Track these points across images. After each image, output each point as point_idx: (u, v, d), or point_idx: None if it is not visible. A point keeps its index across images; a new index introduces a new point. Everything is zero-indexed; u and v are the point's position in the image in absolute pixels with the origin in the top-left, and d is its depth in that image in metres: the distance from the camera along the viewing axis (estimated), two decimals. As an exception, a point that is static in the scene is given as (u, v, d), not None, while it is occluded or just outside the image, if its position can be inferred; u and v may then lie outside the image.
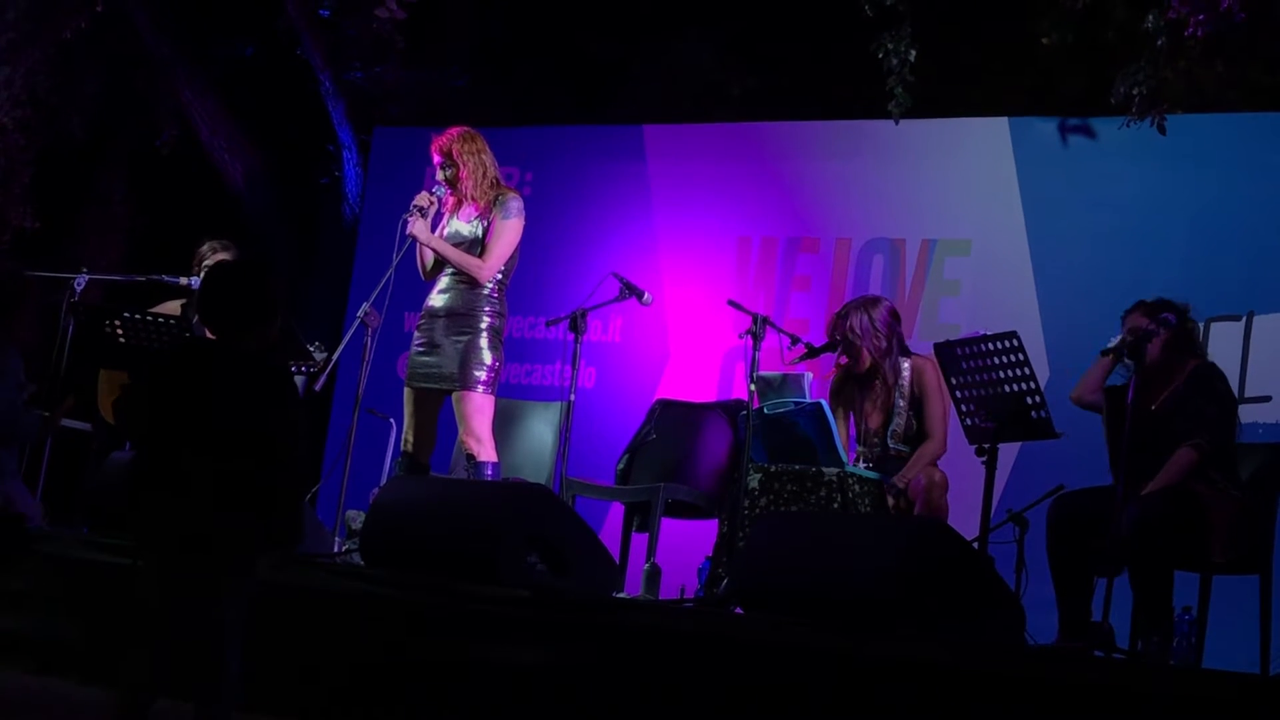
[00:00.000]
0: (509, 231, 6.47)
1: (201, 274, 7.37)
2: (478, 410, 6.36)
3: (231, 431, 3.99)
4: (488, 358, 6.39)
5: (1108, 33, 8.13)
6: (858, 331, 6.50)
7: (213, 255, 7.39)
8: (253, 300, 4.17)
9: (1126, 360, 5.70)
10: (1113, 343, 5.77)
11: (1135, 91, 7.46)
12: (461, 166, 6.48)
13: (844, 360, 6.60)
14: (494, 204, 6.49)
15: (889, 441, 6.53)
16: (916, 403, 6.52)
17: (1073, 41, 8.11)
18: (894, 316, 6.59)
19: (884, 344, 6.51)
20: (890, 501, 6.34)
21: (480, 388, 6.36)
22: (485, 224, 6.48)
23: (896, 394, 6.53)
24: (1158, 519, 5.45)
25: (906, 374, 6.54)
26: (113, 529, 5.85)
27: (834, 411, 6.60)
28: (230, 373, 4.06)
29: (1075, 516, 5.73)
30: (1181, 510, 5.51)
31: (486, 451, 6.36)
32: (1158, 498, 5.51)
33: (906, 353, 6.61)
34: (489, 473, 6.33)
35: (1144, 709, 3.94)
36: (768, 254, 8.59)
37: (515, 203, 6.52)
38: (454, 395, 6.39)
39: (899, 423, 6.52)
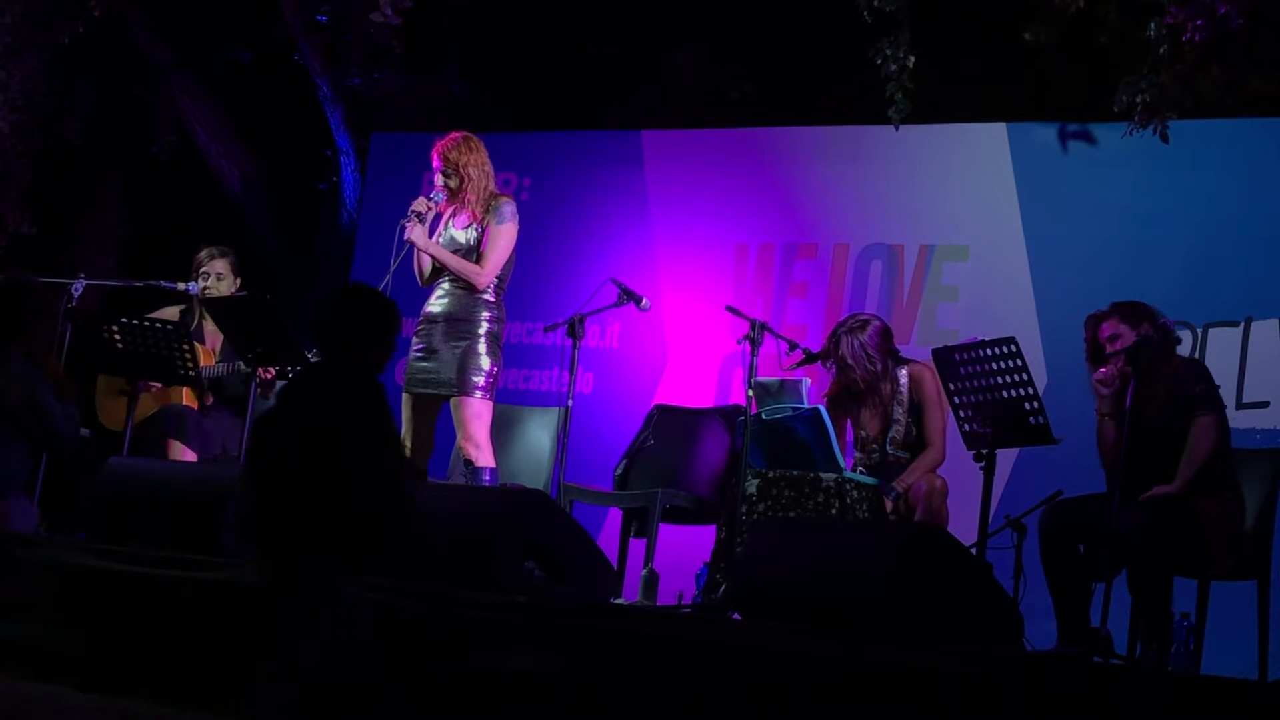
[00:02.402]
0: (504, 236, 6.48)
1: (199, 280, 7.36)
2: (475, 416, 6.36)
3: (340, 451, 4.01)
4: (486, 363, 6.40)
5: (1102, 38, 8.12)
6: (849, 360, 6.53)
7: (210, 261, 7.38)
8: (362, 322, 4.22)
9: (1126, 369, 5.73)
10: (1101, 379, 5.80)
11: (1138, 99, 7.46)
12: (465, 176, 6.49)
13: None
14: (488, 210, 6.50)
15: (888, 448, 6.54)
16: (916, 409, 6.53)
17: (1061, 42, 8.10)
18: (884, 335, 6.60)
19: (877, 366, 6.54)
20: (889, 506, 6.35)
21: (478, 393, 6.36)
22: (480, 230, 6.49)
23: (895, 402, 6.54)
24: (1159, 527, 5.45)
25: (904, 382, 6.55)
26: (110, 535, 5.84)
27: (832, 419, 6.62)
28: (339, 392, 4.09)
29: (1066, 525, 5.74)
30: (1181, 520, 5.51)
31: (484, 457, 6.36)
32: (1159, 506, 5.52)
33: (901, 362, 6.61)
34: (486, 478, 6.34)
35: (1143, 715, 3.94)
36: (765, 259, 8.59)
37: (509, 207, 6.53)
38: (452, 401, 6.39)
39: (898, 430, 6.53)
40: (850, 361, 6.52)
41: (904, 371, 6.57)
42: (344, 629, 4.06)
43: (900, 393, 6.54)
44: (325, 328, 4.32)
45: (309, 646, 4.03)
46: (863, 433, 6.63)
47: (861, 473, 6.50)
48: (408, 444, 6.51)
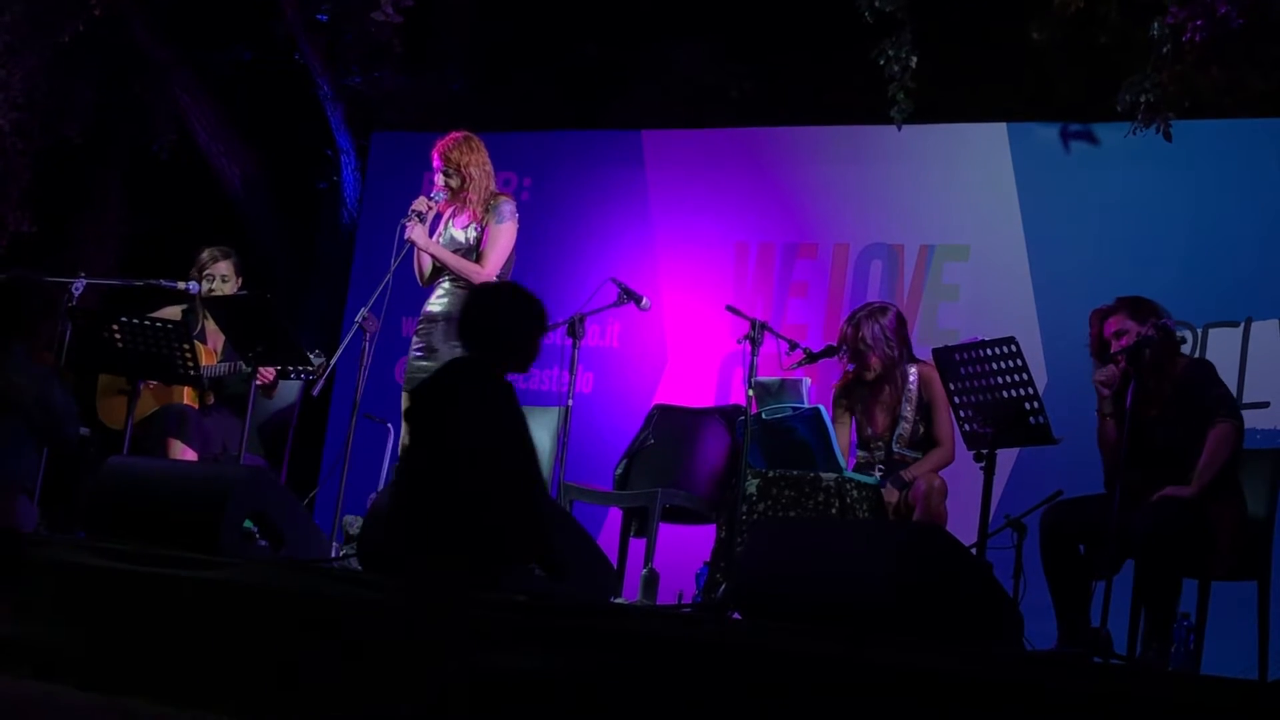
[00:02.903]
0: (504, 235, 6.49)
1: (203, 281, 7.35)
2: (474, 415, 6.36)
3: (475, 452, 3.94)
4: (485, 362, 6.39)
5: (1103, 38, 8.12)
6: (869, 341, 6.51)
7: (214, 264, 7.37)
8: (512, 324, 4.13)
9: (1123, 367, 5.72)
10: (1103, 379, 5.79)
11: (1141, 99, 7.47)
12: (466, 176, 6.49)
13: (851, 367, 6.61)
14: (488, 209, 6.51)
15: (894, 446, 6.54)
16: (924, 408, 6.54)
17: (1064, 42, 8.11)
18: (901, 323, 6.62)
19: (895, 352, 6.54)
20: (896, 496, 6.34)
21: (477, 393, 6.37)
22: (480, 229, 6.49)
23: (903, 400, 6.54)
24: (1171, 529, 5.45)
25: (913, 380, 6.56)
26: (110, 534, 5.84)
27: (838, 414, 6.63)
28: (476, 395, 4.01)
29: (1067, 525, 5.74)
30: (1194, 523, 5.51)
31: (481, 457, 6.36)
32: (1172, 508, 5.51)
33: (913, 359, 6.62)
34: (485, 478, 6.33)
35: (1143, 715, 3.94)
36: (766, 259, 8.59)
37: (508, 206, 6.54)
38: (451, 400, 6.39)
39: (904, 428, 6.54)
40: (870, 344, 6.50)
41: (914, 370, 6.58)
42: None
43: (909, 390, 6.55)
44: (464, 327, 4.19)
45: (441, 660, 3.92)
46: (868, 430, 6.63)
47: (879, 472, 6.50)
48: (407, 443, 6.53)
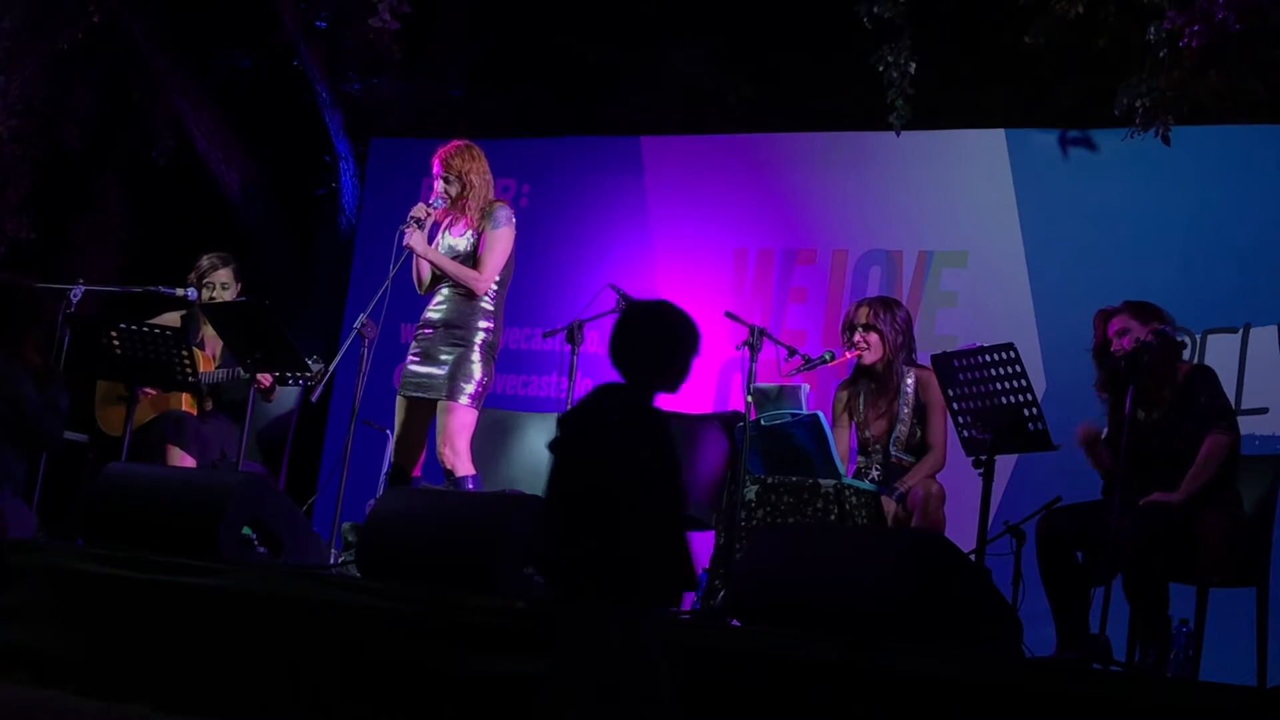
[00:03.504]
0: (501, 241, 6.49)
1: (204, 289, 7.34)
2: (461, 424, 6.38)
3: (617, 487, 3.87)
4: (477, 372, 6.41)
5: (1101, 42, 8.13)
6: (883, 317, 6.55)
7: (214, 271, 7.37)
8: (659, 344, 4.04)
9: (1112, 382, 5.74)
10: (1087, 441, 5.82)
11: (1139, 104, 7.47)
12: (467, 183, 6.50)
13: (853, 355, 6.62)
14: (484, 215, 6.51)
15: (891, 449, 6.55)
16: (921, 411, 6.55)
17: (1062, 48, 8.11)
18: (909, 322, 6.69)
19: (900, 339, 6.56)
20: (892, 508, 6.35)
21: (466, 400, 6.38)
22: (476, 236, 6.50)
23: (900, 402, 6.55)
24: (1155, 532, 5.45)
25: (911, 383, 6.57)
26: (109, 540, 5.83)
27: (838, 418, 6.64)
28: (624, 421, 3.95)
29: (1065, 532, 5.73)
30: (1179, 527, 5.51)
31: (464, 465, 6.38)
32: (1156, 512, 5.51)
33: (913, 363, 6.63)
34: (470, 486, 6.35)
35: (1141, 721, 3.94)
36: (765, 265, 8.59)
37: (504, 212, 6.54)
38: (439, 404, 6.39)
39: (902, 430, 6.55)
40: (884, 321, 6.53)
41: (911, 374, 6.60)
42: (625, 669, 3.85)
43: (906, 393, 6.57)
44: (612, 349, 4.10)
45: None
46: (867, 433, 6.63)
47: (876, 475, 6.51)
48: (399, 447, 6.54)
